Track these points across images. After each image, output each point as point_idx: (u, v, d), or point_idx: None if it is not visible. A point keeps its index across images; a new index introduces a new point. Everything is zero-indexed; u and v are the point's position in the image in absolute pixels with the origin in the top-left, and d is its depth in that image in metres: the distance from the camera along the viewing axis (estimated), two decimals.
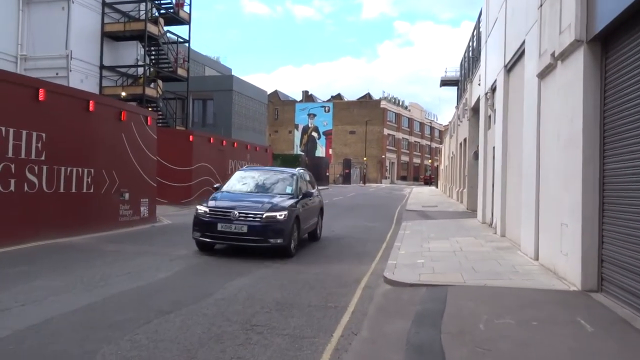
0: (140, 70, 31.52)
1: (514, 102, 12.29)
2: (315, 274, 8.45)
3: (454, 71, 53.68)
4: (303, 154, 64.52)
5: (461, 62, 31.38)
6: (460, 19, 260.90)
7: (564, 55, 7.34)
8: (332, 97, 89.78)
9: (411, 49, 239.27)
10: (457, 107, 32.70)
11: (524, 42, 10.41)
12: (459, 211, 22.56)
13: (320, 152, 79.25)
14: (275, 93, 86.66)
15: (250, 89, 44.82)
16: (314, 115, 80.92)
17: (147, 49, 31.17)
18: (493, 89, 15.26)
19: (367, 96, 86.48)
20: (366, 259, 10.37)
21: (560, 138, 7.54)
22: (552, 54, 7.71)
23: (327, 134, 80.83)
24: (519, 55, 11.18)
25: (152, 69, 31.80)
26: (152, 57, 31.60)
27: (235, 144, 28.83)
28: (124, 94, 28.85)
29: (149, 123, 15.10)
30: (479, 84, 18.39)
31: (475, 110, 23.05)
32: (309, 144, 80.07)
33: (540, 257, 8.82)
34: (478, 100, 20.18)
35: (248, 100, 43.97)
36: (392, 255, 10.41)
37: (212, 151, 25.76)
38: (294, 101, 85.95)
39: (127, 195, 14.04)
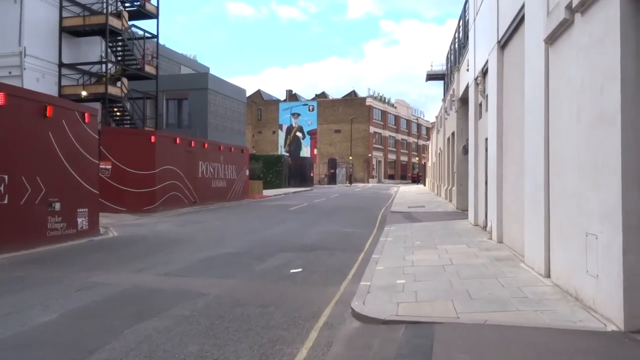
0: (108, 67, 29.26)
1: (510, 83, 10.35)
2: (260, 307, 6.38)
3: (440, 65, 52.06)
4: (287, 155, 62.41)
5: (447, 55, 29.60)
6: (445, 16, 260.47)
7: (586, 4, 5.37)
8: (316, 95, 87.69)
9: (397, 47, 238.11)
10: (443, 100, 30.85)
11: (522, 7, 8.47)
12: (448, 211, 20.63)
13: (305, 152, 77.16)
14: (259, 93, 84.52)
15: (228, 87, 42.60)
16: (298, 114, 78.79)
17: (111, 45, 28.92)
18: (484, 73, 13.33)
19: (352, 94, 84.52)
20: (335, 278, 8.34)
21: (583, 116, 5.57)
22: (568, 6, 5.74)
23: (312, 133, 78.72)
24: (517, 24, 9.23)
25: (116, 67, 29.56)
26: (117, 54, 29.33)
27: (206, 144, 26.69)
28: (84, 93, 26.58)
29: (86, 121, 12.94)
30: (467, 70, 16.48)
31: (464, 100, 21.17)
32: (294, 145, 77.97)
33: (554, 274, 6.84)
34: (467, 88, 18.28)
35: (225, 99, 41.74)
36: (367, 271, 8.41)
37: (179, 153, 23.59)
38: (278, 101, 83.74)
39: (57, 206, 11.88)
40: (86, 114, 12.99)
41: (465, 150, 20.78)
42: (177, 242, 12.43)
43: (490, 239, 11.40)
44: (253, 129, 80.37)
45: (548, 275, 7.03)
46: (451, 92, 23.71)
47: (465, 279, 7.36)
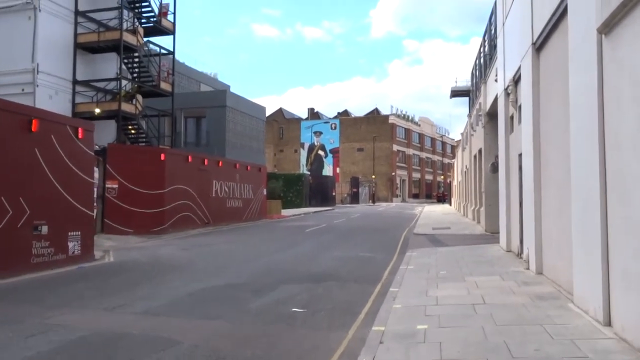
0: (123, 84, 28.73)
1: (548, 89, 8.96)
2: None
3: (464, 82, 50.54)
4: (308, 173, 61.31)
5: (472, 71, 28.22)
6: (469, 35, 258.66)
7: None
8: (338, 113, 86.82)
9: (421, 67, 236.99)
10: (469, 116, 29.36)
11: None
12: (476, 234, 19.04)
13: (327, 171, 76.00)
14: (280, 111, 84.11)
15: (247, 105, 41.86)
16: (320, 133, 77.87)
17: (126, 61, 28.41)
18: (516, 81, 11.95)
19: (375, 111, 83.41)
20: (343, 319, 7.00)
21: None
22: None
23: (334, 152, 77.62)
24: (557, 19, 7.88)
25: (132, 84, 29.00)
26: (132, 71, 28.79)
27: (221, 162, 25.70)
28: (98, 110, 26.00)
29: (80, 136, 11.96)
30: (496, 80, 15.09)
31: (492, 115, 19.71)
32: (315, 163, 76.95)
33: (617, 323, 5.37)
34: (495, 101, 16.86)
35: (244, 117, 40.96)
36: (382, 311, 7.07)
37: (192, 171, 22.62)
38: (300, 119, 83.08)
39: (44, 229, 10.83)
40: (80, 129, 12.02)
41: (495, 168, 19.24)
42: (174, 270, 11.24)
43: (527, 269, 9.90)
44: (275, 147, 79.75)
45: (609, 323, 5.56)
46: (477, 106, 22.28)
47: (502, 326, 5.93)
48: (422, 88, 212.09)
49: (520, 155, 11.63)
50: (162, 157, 20.30)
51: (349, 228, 24.14)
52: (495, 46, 17.35)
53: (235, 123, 39.71)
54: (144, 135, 28.79)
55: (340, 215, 35.82)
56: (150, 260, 12.81)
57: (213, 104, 38.18)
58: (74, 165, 11.85)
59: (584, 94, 6.24)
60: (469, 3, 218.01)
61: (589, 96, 5.97)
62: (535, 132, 9.50)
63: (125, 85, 28.64)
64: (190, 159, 22.44)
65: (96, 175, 16.26)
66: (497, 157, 19.06)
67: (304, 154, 77.14)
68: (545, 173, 9.10)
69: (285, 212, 39.47)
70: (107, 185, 18.94)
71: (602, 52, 5.63)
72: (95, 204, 16.19)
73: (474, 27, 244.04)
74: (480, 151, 22.46)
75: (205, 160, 23.95)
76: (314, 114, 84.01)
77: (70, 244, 11.74)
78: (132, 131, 28.67)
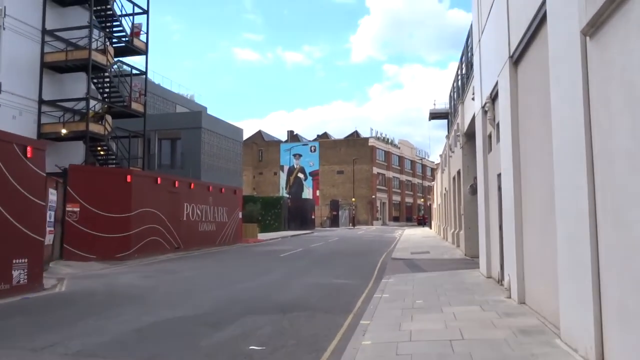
0: (92, 104, 27.79)
1: (527, 104, 8.42)
2: None
3: (443, 104, 50.69)
4: (287, 196, 60.44)
5: (450, 94, 28.03)
6: (447, 60, 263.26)
7: None
8: (318, 136, 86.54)
9: (400, 91, 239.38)
10: (447, 137, 29.03)
11: (543, 3, 6.62)
12: (456, 259, 18.38)
13: (307, 193, 75.23)
14: (259, 134, 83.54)
15: (223, 126, 41.09)
16: (300, 155, 77.32)
17: (95, 81, 27.53)
18: (493, 98, 11.46)
19: (355, 134, 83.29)
20: (305, 359, 6.18)
21: None
22: None
23: (314, 174, 77.01)
24: (535, 27, 7.37)
25: (103, 105, 28.09)
26: (102, 91, 27.88)
27: (193, 184, 24.77)
28: (64, 131, 25.03)
29: (29, 155, 11.05)
30: (473, 98, 14.65)
31: (470, 135, 19.29)
32: (295, 186, 76.17)
33: None
34: (473, 120, 16.42)
35: (220, 139, 40.15)
36: (349, 349, 6.28)
37: (161, 194, 21.68)
38: (279, 141, 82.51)
39: None
40: (29, 148, 11.11)
41: (473, 190, 18.73)
42: (128, 301, 10.28)
43: (509, 297, 9.20)
44: (254, 170, 78.89)
45: None
46: (455, 127, 21.89)
47: None
48: (402, 112, 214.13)
49: (499, 175, 11.06)
50: (129, 178, 19.36)
51: (326, 252, 23.31)
52: (472, 65, 17.01)
53: (211, 145, 38.87)
54: (113, 157, 27.77)
55: (318, 239, 34.96)
56: (106, 290, 11.82)
57: (188, 125, 37.36)
58: (21, 187, 10.90)
59: (567, 104, 5.65)
60: (447, 29, 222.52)
61: (573, 106, 5.38)
62: (514, 150, 8.93)
63: (94, 106, 27.71)
64: (159, 180, 21.53)
65: (53, 197, 15.27)
66: (475, 178, 18.57)
67: (283, 176, 76.36)
68: (527, 193, 8.49)
69: (263, 235, 38.48)
70: (67, 209, 17.89)
71: (587, 55, 5.05)
72: (51, 229, 15.17)
73: (452, 52, 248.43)
74: (459, 172, 21.98)
75: (176, 182, 23.04)
76: (293, 137, 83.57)
77: (15, 273, 10.73)
78: (101, 152, 27.64)
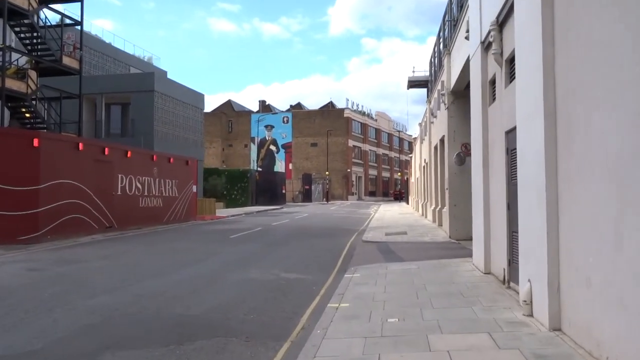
0: (15, 58, 23.58)
1: (576, 10, 5.01)
2: None
3: (423, 71, 47.20)
4: (255, 169, 56.74)
5: (430, 60, 24.59)
6: (426, 35, 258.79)
7: None
8: (291, 106, 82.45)
9: (379, 65, 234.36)
10: (428, 101, 25.66)
11: None
12: (439, 242, 15.17)
13: (280, 167, 71.63)
14: (229, 103, 79.18)
15: (182, 91, 36.90)
16: (272, 126, 73.34)
17: (17, 29, 23.28)
18: (501, 23, 8.02)
19: (330, 105, 79.51)
20: None
21: None
22: None
23: (287, 147, 73.27)
24: None
25: (29, 59, 23.89)
26: (25, 42, 23.63)
27: (130, 152, 20.95)
28: None
29: None
30: (467, 37, 11.19)
31: (458, 93, 15.97)
32: (267, 159, 72.44)
33: None
34: (463, 71, 13.05)
35: (177, 105, 36.03)
36: None
37: (84, 163, 17.89)
38: (250, 112, 78.23)
39: None
40: None
41: (461, 160, 15.48)
42: None
43: (530, 315, 5.94)
44: (223, 142, 74.81)
45: None
46: (439, 86, 18.49)
47: None
48: (380, 86, 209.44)
49: (508, 132, 7.72)
50: (36, 142, 15.51)
51: (288, 233, 19.95)
52: (462, 5, 13.56)
53: (167, 111, 34.78)
54: (40, 121, 23.73)
55: (284, 216, 31.62)
56: None
57: (139, 88, 33.12)
58: None
59: None
60: (426, 2, 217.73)
61: None
62: (546, 82, 5.53)
63: (17, 60, 23.54)
64: (81, 146, 17.68)
65: None
66: (464, 145, 15.29)
67: (254, 149, 72.31)
68: (569, 154, 5.14)
69: (224, 212, 34.97)
70: None
71: None
72: None
73: (431, 27, 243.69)
74: (442, 140, 18.69)
75: (106, 149, 19.21)
76: (265, 107, 79.34)
77: None
78: (27, 114, 23.59)
